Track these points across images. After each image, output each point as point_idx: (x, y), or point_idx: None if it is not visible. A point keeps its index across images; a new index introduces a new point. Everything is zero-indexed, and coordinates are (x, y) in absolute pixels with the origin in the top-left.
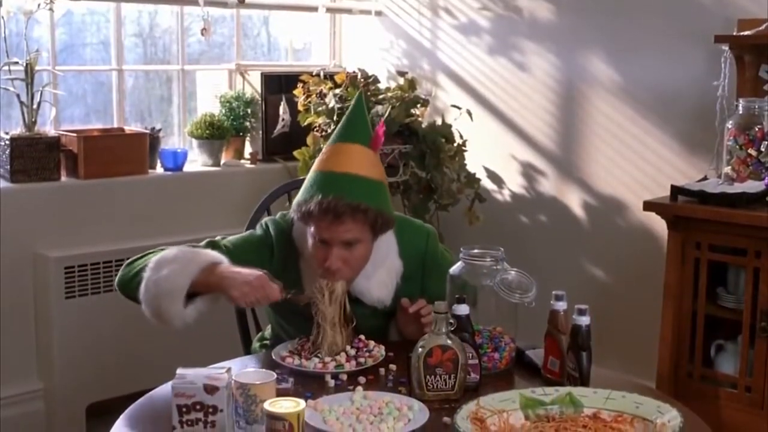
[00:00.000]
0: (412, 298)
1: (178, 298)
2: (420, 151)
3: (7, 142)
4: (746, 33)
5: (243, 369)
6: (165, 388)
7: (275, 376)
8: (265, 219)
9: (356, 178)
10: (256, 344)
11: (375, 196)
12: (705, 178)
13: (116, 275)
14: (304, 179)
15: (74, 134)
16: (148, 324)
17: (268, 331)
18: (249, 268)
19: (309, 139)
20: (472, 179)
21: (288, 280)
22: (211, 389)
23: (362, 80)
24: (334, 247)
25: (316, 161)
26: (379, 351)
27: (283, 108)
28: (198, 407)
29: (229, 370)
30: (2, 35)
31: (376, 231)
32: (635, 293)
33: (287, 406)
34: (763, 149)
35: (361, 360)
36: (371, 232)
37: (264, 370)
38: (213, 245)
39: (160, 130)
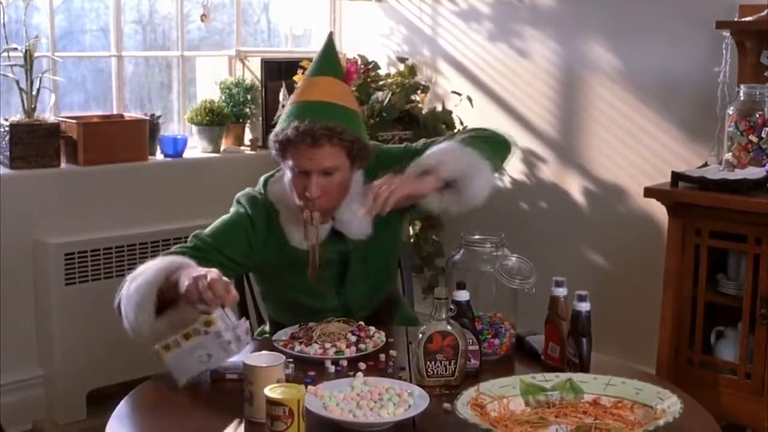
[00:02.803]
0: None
1: (146, 308)
2: (420, 138)
3: (7, 129)
4: (748, 19)
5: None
6: (165, 374)
7: (284, 359)
8: (237, 196)
9: (330, 104)
10: (257, 338)
11: (350, 121)
12: (706, 165)
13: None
14: None
15: (74, 121)
16: None
17: (268, 326)
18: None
19: None
20: None
21: (274, 242)
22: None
23: (362, 66)
24: (313, 175)
25: (291, 96)
26: (380, 337)
27: (283, 94)
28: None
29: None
30: (1, 21)
31: (353, 157)
32: (635, 279)
33: (287, 391)
34: (764, 135)
35: (362, 346)
36: (348, 159)
37: (272, 353)
38: (197, 238)
39: (159, 116)
